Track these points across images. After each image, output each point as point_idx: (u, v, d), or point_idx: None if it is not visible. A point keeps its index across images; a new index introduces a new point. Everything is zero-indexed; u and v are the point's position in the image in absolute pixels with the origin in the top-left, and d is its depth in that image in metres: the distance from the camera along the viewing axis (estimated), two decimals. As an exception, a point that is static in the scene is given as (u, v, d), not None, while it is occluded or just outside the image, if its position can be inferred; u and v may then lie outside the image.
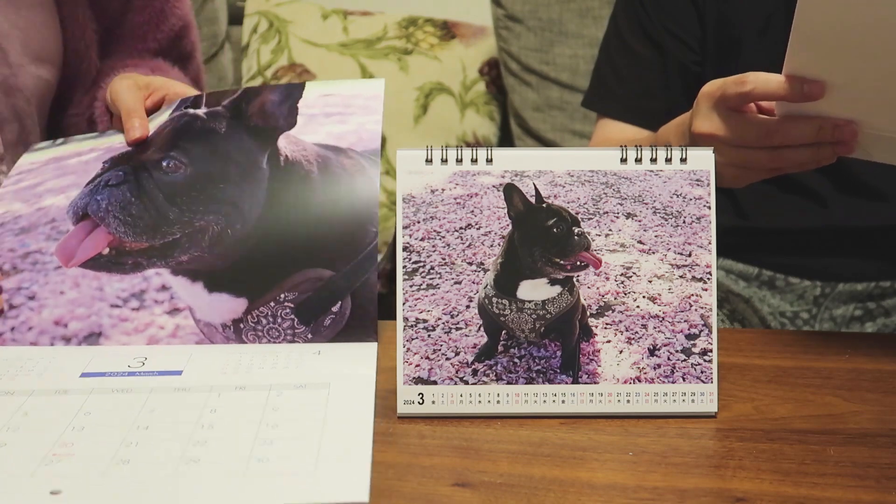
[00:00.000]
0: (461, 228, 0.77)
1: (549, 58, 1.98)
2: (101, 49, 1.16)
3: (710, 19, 1.16)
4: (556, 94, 1.98)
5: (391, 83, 2.04)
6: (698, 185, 0.78)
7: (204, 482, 0.66)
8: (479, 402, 0.76)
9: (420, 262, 0.77)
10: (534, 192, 0.77)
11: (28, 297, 0.88)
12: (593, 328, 0.76)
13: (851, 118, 0.83)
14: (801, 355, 0.88)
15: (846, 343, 0.91)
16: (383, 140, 2.03)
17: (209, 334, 0.88)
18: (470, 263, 0.77)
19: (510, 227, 0.77)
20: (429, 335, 0.76)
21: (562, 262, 0.76)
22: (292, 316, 0.87)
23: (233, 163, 0.91)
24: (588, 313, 0.77)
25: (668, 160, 0.78)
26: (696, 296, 0.77)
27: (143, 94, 0.99)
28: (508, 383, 0.76)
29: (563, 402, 0.76)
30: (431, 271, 0.77)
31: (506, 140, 2.13)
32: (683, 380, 0.76)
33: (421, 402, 0.76)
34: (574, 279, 0.77)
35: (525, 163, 0.78)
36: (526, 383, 0.76)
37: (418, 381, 0.76)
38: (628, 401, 0.76)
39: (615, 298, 0.77)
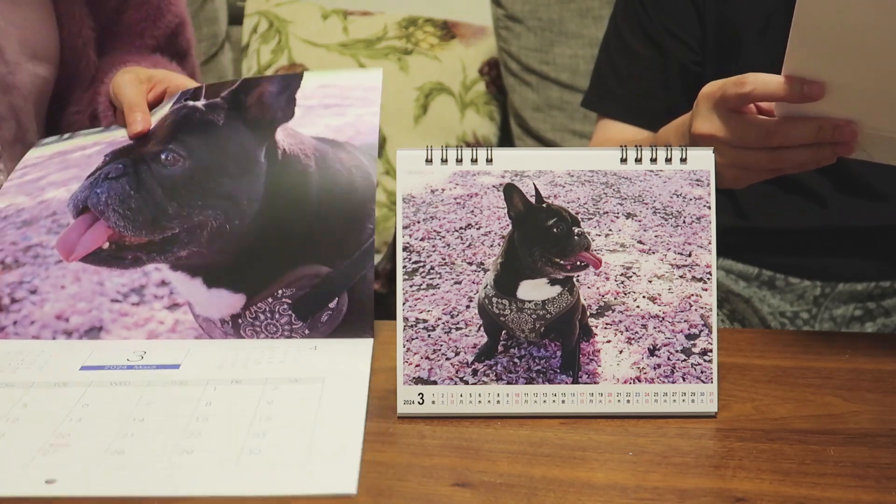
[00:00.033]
0: (461, 228, 0.77)
1: (549, 58, 1.98)
2: (100, 46, 1.17)
3: (710, 19, 1.16)
4: (556, 94, 1.98)
5: (391, 83, 2.05)
6: (698, 185, 0.78)
7: (196, 472, 0.67)
8: (479, 402, 0.76)
9: (420, 262, 0.77)
10: (534, 192, 0.77)
11: (30, 292, 0.88)
12: (593, 328, 0.76)
13: (851, 118, 0.83)
14: (801, 355, 0.88)
15: (846, 343, 0.91)
16: (383, 140, 2.03)
17: (208, 329, 0.88)
18: (470, 263, 0.77)
19: (510, 227, 0.77)
20: (429, 335, 0.76)
21: (562, 262, 0.76)
22: (290, 312, 0.87)
23: (231, 156, 0.91)
24: (588, 313, 0.77)
25: (668, 160, 0.78)
26: (696, 296, 0.77)
27: (145, 88, 1.00)
28: (508, 383, 0.76)
29: (563, 402, 0.76)
30: (431, 271, 0.77)
31: (506, 140, 2.13)
32: (683, 380, 0.76)
33: (421, 402, 0.76)
34: (574, 279, 0.77)
35: (525, 163, 0.78)
36: (526, 383, 0.76)
37: (418, 381, 0.76)
38: (628, 401, 0.76)
39: (615, 298, 0.77)
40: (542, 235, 0.76)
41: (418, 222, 0.77)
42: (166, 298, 0.89)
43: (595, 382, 0.76)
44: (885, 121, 0.83)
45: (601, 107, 1.26)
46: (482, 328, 0.76)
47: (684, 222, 0.78)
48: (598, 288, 0.77)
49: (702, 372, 0.76)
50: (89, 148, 0.98)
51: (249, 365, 0.82)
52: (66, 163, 0.97)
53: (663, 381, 0.76)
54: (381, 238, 2.03)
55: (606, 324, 0.76)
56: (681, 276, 0.77)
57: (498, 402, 0.76)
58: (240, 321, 0.88)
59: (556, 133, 1.98)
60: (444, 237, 0.77)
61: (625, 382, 0.76)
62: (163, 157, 0.90)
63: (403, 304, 0.76)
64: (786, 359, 0.87)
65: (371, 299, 0.87)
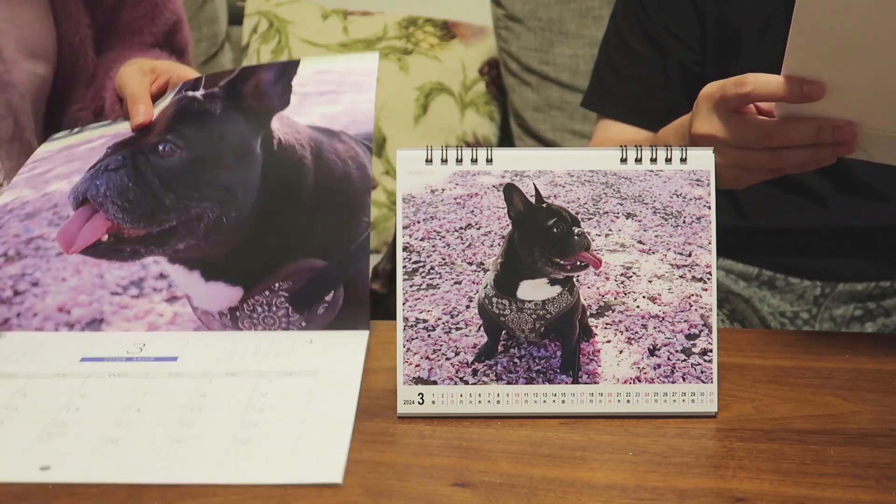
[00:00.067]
0: (461, 228, 0.77)
1: (549, 58, 1.98)
2: (99, 44, 1.17)
3: (710, 19, 1.16)
4: (556, 94, 1.98)
5: (391, 83, 2.05)
6: (698, 185, 0.78)
7: (186, 461, 0.69)
8: (479, 402, 0.76)
9: (420, 262, 0.77)
10: (534, 192, 0.77)
11: (32, 284, 0.90)
12: (593, 328, 0.76)
13: (851, 119, 0.83)
14: (801, 355, 0.88)
15: (846, 343, 0.91)
16: (383, 140, 2.03)
17: (207, 322, 0.89)
18: (470, 263, 0.77)
19: (510, 227, 0.77)
20: (429, 335, 0.76)
21: (562, 262, 0.76)
22: (287, 305, 0.88)
23: (227, 146, 0.91)
24: (588, 313, 0.77)
25: (668, 160, 0.78)
26: (696, 296, 0.77)
27: (148, 80, 1.00)
28: (508, 383, 0.76)
29: (563, 402, 0.76)
30: (431, 271, 0.77)
31: (506, 140, 2.13)
32: (683, 380, 0.76)
33: (421, 402, 0.76)
34: (574, 279, 0.77)
35: (525, 163, 0.78)
36: (526, 383, 0.76)
37: (418, 381, 0.76)
38: (628, 401, 0.76)
39: (615, 298, 0.77)
40: (542, 235, 0.76)
41: (418, 222, 0.77)
42: (165, 291, 0.90)
43: (595, 382, 0.76)
44: (885, 121, 0.83)
45: (601, 107, 1.26)
46: (482, 328, 0.76)
47: (684, 222, 0.78)
48: (598, 288, 0.77)
49: (702, 372, 0.76)
50: (95, 141, 0.99)
51: (246, 357, 0.84)
52: (72, 156, 0.98)
53: (663, 381, 0.76)
54: (381, 238, 2.03)
55: (606, 324, 0.76)
56: (681, 276, 0.77)
57: (498, 402, 0.76)
58: (238, 314, 0.89)
59: (556, 133, 1.98)
60: (444, 237, 0.77)
61: (625, 382, 0.76)
62: (160, 147, 0.91)
63: (403, 304, 0.76)
64: (786, 359, 0.87)
65: (367, 292, 0.88)
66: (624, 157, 0.78)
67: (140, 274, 0.90)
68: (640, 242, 0.77)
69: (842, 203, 1.14)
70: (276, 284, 0.88)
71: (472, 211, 0.77)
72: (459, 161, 0.78)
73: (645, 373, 0.76)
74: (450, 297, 0.76)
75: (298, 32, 2.10)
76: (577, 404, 0.76)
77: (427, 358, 0.76)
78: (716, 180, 0.78)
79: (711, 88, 0.88)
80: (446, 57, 2.09)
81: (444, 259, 0.77)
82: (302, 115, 0.93)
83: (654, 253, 0.77)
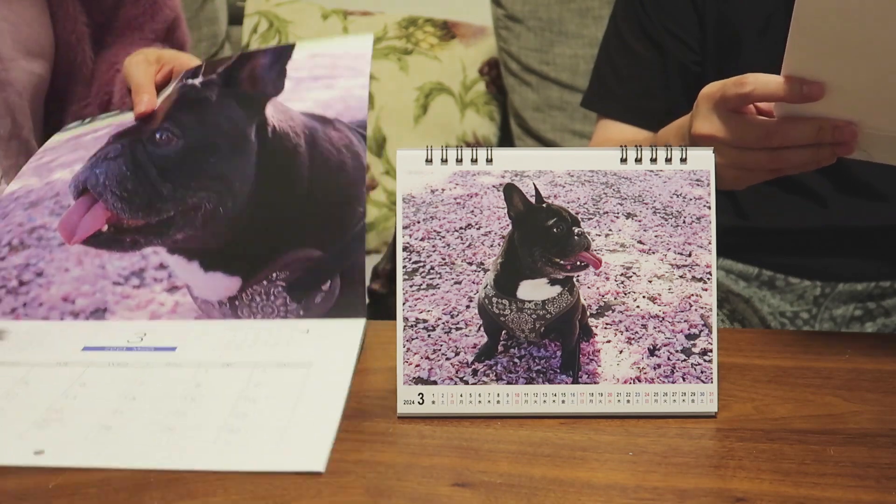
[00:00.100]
0: (461, 228, 0.77)
1: (549, 58, 1.98)
2: (99, 42, 1.17)
3: (710, 19, 1.16)
4: (556, 94, 1.98)
5: (391, 83, 2.05)
6: (698, 185, 0.78)
7: (175, 448, 0.70)
8: (479, 402, 0.76)
9: (420, 262, 0.77)
10: (534, 192, 0.77)
11: (36, 274, 0.91)
12: (593, 328, 0.76)
13: (851, 119, 0.83)
14: (801, 355, 0.88)
15: (846, 343, 0.91)
16: (383, 140, 2.03)
17: (207, 311, 0.90)
18: (470, 263, 0.77)
19: (510, 227, 0.77)
20: (429, 335, 0.76)
21: (562, 262, 0.76)
22: (284, 294, 0.89)
23: (222, 134, 0.92)
24: (588, 313, 0.77)
25: (668, 160, 0.78)
26: (696, 296, 0.77)
27: (154, 69, 1.01)
28: (508, 383, 0.76)
29: (563, 402, 0.76)
30: (431, 271, 0.77)
31: (506, 140, 2.13)
32: (683, 380, 0.76)
33: (421, 402, 0.76)
34: (574, 279, 0.77)
35: (525, 163, 0.78)
36: (526, 383, 0.76)
37: (418, 381, 0.76)
38: (628, 401, 0.76)
39: (615, 298, 0.77)
40: (542, 235, 0.76)
41: (418, 222, 0.77)
42: (165, 281, 0.91)
43: (595, 382, 0.76)
44: (885, 121, 0.83)
45: (601, 107, 1.26)
46: (482, 328, 0.76)
47: (684, 222, 0.78)
48: (598, 288, 0.77)
49: (702, 372, 0.76)
50: (101, 130, 1.00)
51: (243, 348, 0.85)
52: (77, 145, 0.99)
53: (663, 381, 0.76)
54: (381, 238, 2.03)
55: (606, 324, 0.76)
56: (681, 276, 0.77)
57: (498, 402, 0.76)
58: (237, 303, 0.90)
59: (556, 133, 1.98)
60: (444, 237, 0.77)
61: (625, 382, 0.76)
62: (157, 136, 0.92)
63: (403, 304, 0.76)
64: (786, 359, 0.87)
65: (363, 282, 0.89)
66: (624, 157, 0.78)
67: (140, 264, 0.91)
68: (640, 242, 0.77)
69: (842, 203, 1.14)
70: (274, 274, 0.89)
71: (472, 211, 0.77)
72: (459, 161, 0.78)
73: (645, 373, 0.76)
74: (450, 297, 0.76)
75: (298, 32, 2.10)
76: (577, 404, 0.76)
77: (427, 358, 0.76)
78: (716, 180, 0.78)
79: (711, 88, 0.88)
80: (446, 57, 2.09)
81: (444, 259, 0.77)
82: (296, 101, 0.94)
83: (654, 253, 0.77)
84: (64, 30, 1.12)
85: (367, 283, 1.40)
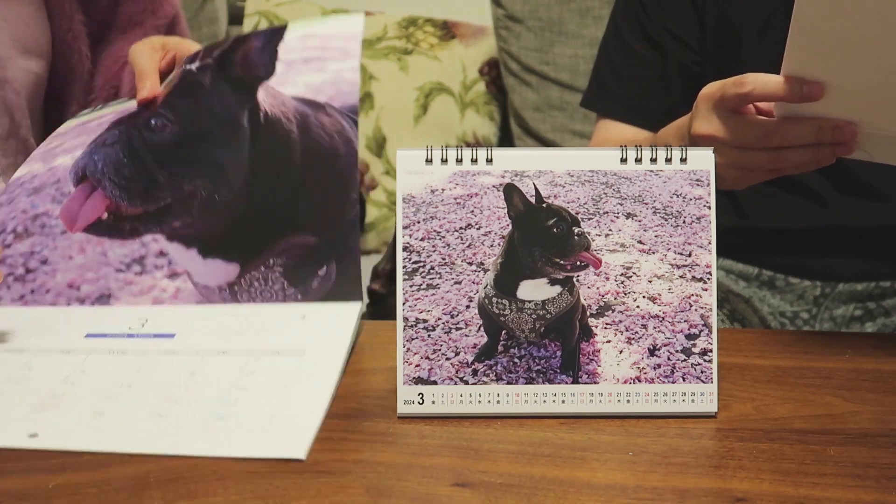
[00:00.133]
0: (461, 228, 0.77)
1: (549, 58, 1.98)
2: (100, 39, 1.17)
3: (710, 19, 1.16)
4: (556, 94, 1.98)
5: (391, 83, 2.05)
6: (698, 185, 0.78)
7: (163, 434, 0.72)
8: (479, 402, 0.76)
9: (420, 262, 0.77)
10: (534, 192, 0.77)
11: (41, 262, 0.93)
12: (593, 328, 0.76)
13: (850, 118, 0.83)
14: (801, 355, 0.88)
15: (846, 343, 0.91)
16: (383, 140, 2.03)
17: (207, 296, 0.92)
18: (470, 263, 0.77)
19: (510, 227, 0.77)
20: (429, 335, 0.76)
21: (562, 262, 0.76)
22: (282, 279, 0.91)
23: (215, 120, 0.93)
24: (588, 313, 0.77)
25: (668, 160, 0.78)
26: (696, 296, 0.77)
27: (158, 56, 1.01)
28: (508, 383, 0.76)
29: (563, 402, 0.76)
30: (431, 271, 0.77)
31: (506, 140, 2.13)
32: (683, 380, 0.76)
33: (421, 402, 0.76)
34: (574, 279, 0.77)
35: (525, 163, 0.78)
36: (526, 383, 0.76)
37: (418, 381, 0.76)
38: (628, 401, 0.76)
39: (615, 298, 0.77)
40: (542, 235, 0.76)
41: (418, 222, 0.77)
42: (166, 268, 0.92)
43: (595, 382, 0.76)
44: (885, 120, 0.83)
45: (601, 107, 1.26)
46: (482, 328, 0.76)
47: (684, 222, 0.78)
48: (598, 288, 0.77)
49: (702, 372, 0.76)
50: (106, 117, 1.01)
51: (240, 334, 0.86)
52: (82, 131, 1.00)
53: (663, 381, 0.76)
54: (381, 238, 2.03)
55: (606, 324, 0.76)
56: (681, 276, 0.77)
57: (498, 402, 0.76)
58: (236, 288, 0.91)
59: (556, 133, 1.98)
60: (444, 237, 0.77)
61: (625, 382, 0.76)
62: (153, 122, 0.92)
63: (403, 304, 0.76)
64: (786, 359, 0.87)
65: (358, 266, 0.90)
66: (624, 157, 0.78)
67: (141, 252, 0.93)
68: (640, 242, 0.77)
69: (842, 203, 1.14)
70: (271, 260, 0.91)
71: (472, 211, 0.77)
72: (459, 161, 0.78)
73: (645, 373, 0.76)
74: (450, 297, 0.76)
75: (298, 32, 2.09)
76: (577, 404, 0.76)
77: (427, 358, 0.76)
78: (716, 180, 0.78)
79: (711, 88, 0.88)
80: (446, 57, 2.09)
81: (444, 259, 0.77)
82: (287, 85, 0.94)
83: (654, 253, 0.77)
84: (60, 28, 1.13)
85: (368, 283, 1.40)
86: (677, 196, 0.78)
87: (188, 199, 0.91)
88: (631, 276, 0.77)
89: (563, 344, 0.77)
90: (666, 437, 0.73)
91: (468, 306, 0.76)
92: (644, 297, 0.77)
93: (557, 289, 0.77)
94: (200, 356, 0.83)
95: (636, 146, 0.78)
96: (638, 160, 0.78)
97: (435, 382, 0.76)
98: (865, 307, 1.17)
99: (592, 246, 0.77)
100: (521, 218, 0.77)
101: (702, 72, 1.17)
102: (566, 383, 0.76)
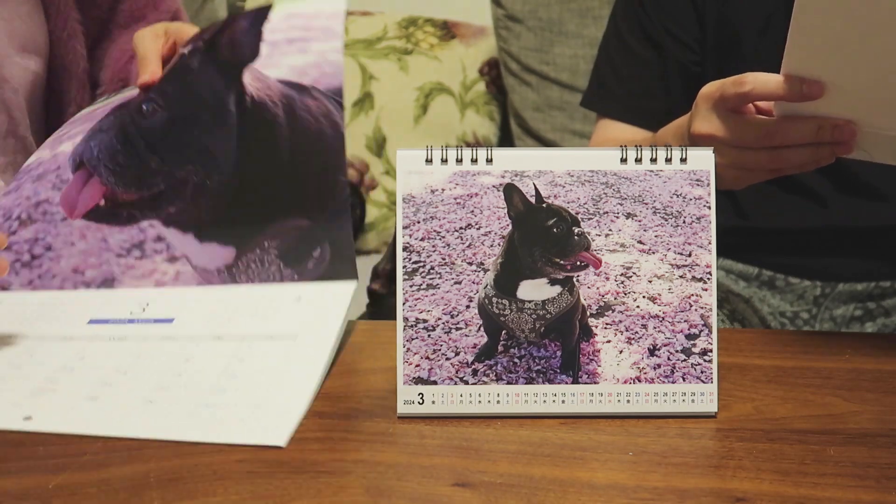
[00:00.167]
0: (461, 228, 0.77)
1: (549, 58, 1.98)
2: (103, 34, 1.17)
3: (710, 19, 1.16)
4: (556, 94, 1.98)
5: (391, 83, 2.05)
6: (698, 185, 0.78)
7: (151, 419, 0.74)
8: (479, 402, 0.76)
9: (420, 262, 0.77)
10: (534, 192, 0.77)
11: (45, 248, 0.94)
12: (593, 328, 0.76)
13: (850, 118, 0.83)
14: (801, 355, 0.88)
15: (846, 343, 0.91)
16: (383, 140, 2.03)
17: (207, 278, 0.93)
18: (470, 263, 0.77)
19: (510, 227, 0.77)
20: (429, 335, 0.76)
21: (562, 262, 0.76)
22: (278, 261, 0.91)
23: (203, 104, 0.93)
24: (588, 313, 0.77)
25: (668, 160, 0.78)
26: (696, 296, 0.77)
27: (160, 42, 1.02)
28: (508, 383, 0.76)
29: (563, 402, 0.76)
30: (431, 271, 0.77)
31: (506, 140, 2.13)
32: (683, 380, 0.76)
33: (421, 402, 0.76)
34: (574, 279, 0.77)
35: (525, 163, 0.78)
36: (526, 383, 0.76)
37: (418, 381, 0.76)
38: (628, 401, 0.76)
39: (615, 298, 0.77)
40: (542, 235, 0.76)
41: (418, 222, 0.77)
42: (165, 252, 0.93)
43: (595, 382, 0.76)
44: (885, 120, 0.83)
45: (600, 106, 1.26)
46: (482, 328, 0.76)
47: (684, 222, 0.78)
48: (598, 288, 0.77)
49: (702, 372, 0.76)
50: (113, 104, 1.01)
51: (236, 317, 0.87)
52: (89, 118, 1.00)
53: (663, 381, 0.76)
54: (380, 238, 2.03)
55: (606, 324, 0.76)
56: (681, 276, 0.77)
57: (498, 402, 0.76)
58: (234, 270, 0.92)
59: (556, 133, 1.98)
60: (444, 237, 0.77)
61: (625, 382, 0.76)
62: (143, 107, 0.93)
63: (403, 304, 0.76)
64: (786, 359, 0.87)
65: (352, 247, 0.90)
66: (624, 157, 0.78)
67: (139, 237, 0.94)
68: (640, 242, 0.77)
69: (842, 203, 1.14)
70: (266, 243, 0.91)
71: (472, 211, 0.77)
72: (459, 161, 0.78)
73: (645, 373, 0.76)
74: (450, 297, 0.76)
75: (298, 32, 2.09)
76: (577, 404, 0.76)
77: (427, 358, 0.76)
78: (715, 180, 0.78)
79: (710, 88, 0.88)
80: (446, 57, 2.09)
81: (444, 259, 0.77)
82: (271, 68, 0.94)
83: (654, 253, 0.77)
84: (56, 26, 1.13)
85: (368, 283, 1.40)
86: (677, 196, 0.78)
87: (181, 185, 0.92)
88: (631, 276, 0.77)
89: (563, 344, 0.77)
90: (666, 437, 0.73)
91: (468, 306, 0.76)
92: (644, 297, 0.77)
93: (557, 289, 0.77)
94: (196, 342, 0.85)
95: (636, 146, 0.78)
96: (638, 160, 0.78)
97: (435, 382, 0.76)
98: (865, 307, 1.17)
99: (592, 246, 0.77)
100: (521, 218, 0.77)
101: (702, 72, 1.17)
102: (566, 383, 0.76)
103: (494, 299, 0.76)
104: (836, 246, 1.15)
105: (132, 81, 1.12)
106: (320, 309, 0.88)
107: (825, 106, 0.82)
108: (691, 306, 0.77)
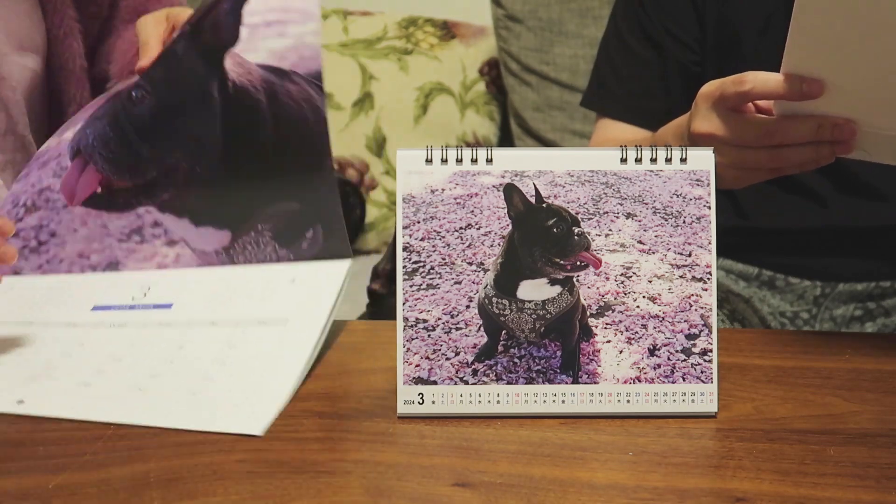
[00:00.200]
0: (461, 228, 0.77)
1: (549, 58, 1.98)
2: (104, 34, 1.17)
3: (710, 19, 1.16)
4: (556, 94, 1.98)
5: (391, 83, 2.05)
6: (698, 185, 0.78)
7: (136, 406, 0.76)
8: (479, 402, 0.76)
9: (420, 262, 0.77)
10: (534, 192, 0.77)
11: (50, 235, 0.95)
12: (593, 328, 0.76)
13: (850, 117, 0.83)
14: (801, 355, 0.88)
15: (846, 343, 0.91)
16: (383, 140, 2.03)
17: (206, 260, 0.94)
18: (470, 263, 0.77)
19: (510, 227, 0.77)
20: (429, 335, 0.76)
21: (562, 262, 0.76)
22: (273, 242, 0.92)
23: (187, 90, 0.93)
24: (588, 313, 0.77)
25: (668, 160, 0.78)
26: (696, 296, 0.77)
27: (162, 28, 1.02)
28: (508, 383, 0.76)
29: (563, 402, 0.76)
30: (431, 271, 0.77)
31: (506, 140, 2.13)
32: (683, 380, 0.76)
33: (421, 402, 0.76)
34: (574, 279, 0.77)
35: (525, 163, 0.78)
36: (526, 383, 0.76)
37: (418, 381, 0.76)
38: (628, 401, 0.76)
39: (615, 298, 0.77)
40: (542, 235, 0.76)
41: (418, 222, 0.77)
42: (163, 237, 0.94)
43: (595, 382, 0.76)
44: (884, 120, 0.83)
45: (600, 106, 1.26)
46: (482, 328, 0.76)
47: (684, 222, 0.78)
48: (598, 288, 0.77)
49: (702, 372, 0.76)
50: (111, 92, 1.02)
51: (232, 301, 0.89)
52: (93, 106, 1.01)
53: (663, 381, 0.76)
54: (381, 238, 2.03)
55: (606, 324, 0.76)
56: (681, 276, 0.77)
57: (498, 402, 0.76)
58: (231, 252, 0.94)
59: (556, 133, 1.98)
60: (444, 237, 0.77)
61: (625, 382, 0.76)
62: (132, 94, 0.93)
63: (403, 304, 0.76)
64: (786, 359, 0.87)
65: (343, 227, 0.91)
66: (624, 157, 0.78)
67: (137, 223, 0.95)
68: (640, 242, 0.77)
69: (842, 203, 1.14)
70: (259, 226, 0.92)
71: (472, 211, 0.77)
72: (459, 161, 0.78)
73: (645, 373, 0.76)
74: (450, 297, 0.76)
75: (298, 32, 2.09)
76: (577, 404, 0.76)
77: (427, 358, 0.76)
78: (715, 180, 0.78)
79: (710, 87, 0.88)
80: (446, 57, 2.09)
81: (444, 259, 0.77)
82: (251, 52, 0.94)
83: (654, 253, 0.77)
84: (53, 24, 1.13)
85: (368, 283, 1.40)
86: (677, 196, 0.78)
87: (172, 171, 0.93)
88: (631, 276, 0.77)
89: (563, 344, 0.77)
90: (666, 437, 0.73)
91: (468, 306, 0.76)
92: (644, 297, 0.77)
93: (557, 289, 0.77)
94: (192, 328, 0.86)
95: (636, 146, 0.78)
96: (638, 160, 0.78)
97: (435, 382, 0.76)
98: (865, 307, 1.17)
99: (592, 246, 0.77)
100: (521, 218, 0.77)
101: (701, 72, 1.17)
102: (566, 383, 0.76)
103: (494, 299, 0.76)
104: (836, 246, 1.15)
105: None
106: (313, 291, 0.88)
107: (825, 105, 0.82)
108: (691, 306, 0.77)
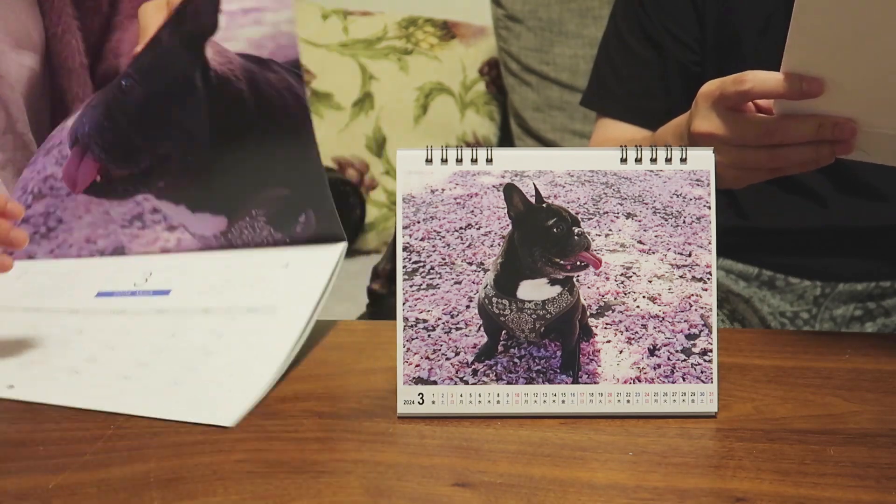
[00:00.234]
0: (461, 228, 0.77)
1: (549, 58, 1.98)
2: (106, 31, 1.17)
3: (710, 19, 1.16)
4: (556, 94, 1.98)
5: (391, 83, 2.05)
6: (698, 185, 0.78)
7: (121, 395, 0.77)
8: (479, 402, 0.76)
9: (420, 262, 0.77)
10: (534, 192, 0.77)
11: (58, 221, 0.97)
12: (593, 328, 0.76)
13: (850, 116, 0.83)
14: (801, 355, 0.88)
15: (846, 343, 0.91)
16: (383, 140, 2.03)
17: (206, 243, 0.95)
18: (470, 263, 0.77)
19: (510, 227, 0.77)
20: (429, 335, 0.76)
21: (562, 262, 0.76)
22: (268, 226, 0.93)
23: (173, 79, 0.94)
24: (588, 313, 0.77)
25: (668, 160, 0.78)
26: (696, 296, 0.77)
27: (162, 14, 1.02)
28: (508, 383, 0.76)
29: (563, 402, 0.76)
30: (431, 271, 0.77)
31: (506, 140, 2.13)
32: (683, 380, 0.76)
33: (421, 402, 0.76)
34: (574, 279, 0.77)
35: (525, 163, 0.78)
36: (526, 383, 0.76)
37: (418, 381, 0.76)
38: (628, 401, 0.76)
39: (615, 298, 0.77)
40: (542, 235, 0.76)
41: (418, 222, 0.77)
42: (163, 223, 0.96)
43: (595, 382, 0.76)
44: (884, 120, 0.83)
45: (600, 106, 1.26)
46: (482, 328, 0.76)
47: (684, 222, 0.78)
48: (598, 288, 0.77)
49: (702, 372, 0.76)
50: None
51: (227, 287, 0.89)
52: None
53: (663, 381, 0.76)
54: (380, 238, 2.03)
55: (606, 324, 0.76)
56: (681, 276, 0.77)
57: (498, 402, 0.76)
58: (229, 236, 0.94)
59: (556, 133, 1.98)
60: (444, 237, 0.77)
61: (625, 382, 0.76)
62: (123, 83, 0.94)
63: (403, 304, 0.76)
64: (786, 359, 0.87)
65: (334, 211, 0.91)
66: (624, 157, 0.78)
67: (137, 210, 0.96)
68: (640, 242, 0.77)
69: (842, 203, 1.14)
70: (254, 211, 0.93)
71: (472, 211, 0.77)
72: (459, 161, 0.78)
73: (645, 373, 0.76)
74: (450, 297, 0.76)
75: (298, 32, 2.09)
76: (577, 404, 0.76)
77: (427, 358, 0.76)
78: (716, 180, 0.78)
79: (710, 87, 0.88)
80: (446, 57, 2.09)
81: (444, 259, 0.77)
82: (230, 42, 0.95)
83: (654, 253, 0.77)
84: (51, 22, 1.13)
85: (368, 283, 1.40)
86: (677, 196, 0.78)
87: (165, 160, 0.94)
88: (631, 276, 0.77)
89: (563, 344, 0.77)
90: (666, 437, 0.73)
91: (468, 306, 0.76)
92: (644, 297, 0.77)
93: (557, 289, 0.77)
94: (185, 316, 0.87)
95: (636, 146, 0.78)
96: (638, 160, 0.78)
97: (435, 382, 0.76)
98: (865, 307, 1.17)
99: (592, 246, 0.77)
100: (521, 218, 0.77)
101: (701, 72, 1.17)
102: (566, 383, 0.76)
103: (494, 299, 0.76)
104: (836, 246, 1.15)
105: None
106: (304, 278, 0.88)
107: (825, 104, 0.82)
108: (691, 306, 0.77)
